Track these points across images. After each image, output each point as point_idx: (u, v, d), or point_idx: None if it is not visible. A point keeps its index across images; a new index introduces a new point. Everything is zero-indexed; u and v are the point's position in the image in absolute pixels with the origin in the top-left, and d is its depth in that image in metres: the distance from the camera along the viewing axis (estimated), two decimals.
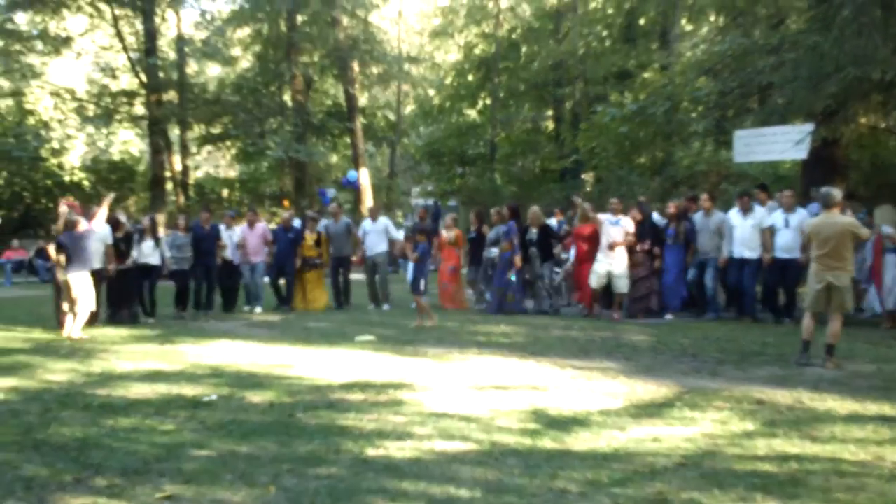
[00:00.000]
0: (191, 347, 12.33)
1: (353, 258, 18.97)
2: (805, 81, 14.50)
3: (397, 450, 6.62)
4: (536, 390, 8.91)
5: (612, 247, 15.22)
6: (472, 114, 43.74)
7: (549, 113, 41.13)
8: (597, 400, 8.40)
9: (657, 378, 9.57)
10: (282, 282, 18.65)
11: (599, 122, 21.58)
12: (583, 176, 34.78)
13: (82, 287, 14.01)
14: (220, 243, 17.11)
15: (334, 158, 46.73)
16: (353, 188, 36.65)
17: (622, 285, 15.39)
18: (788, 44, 17.69)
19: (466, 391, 8.91)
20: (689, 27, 29.77)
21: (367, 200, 36.51)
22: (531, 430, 7.21)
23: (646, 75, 30.82)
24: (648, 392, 8.79)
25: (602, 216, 15.66)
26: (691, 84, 20.26)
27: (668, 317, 15.43)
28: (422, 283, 15.07)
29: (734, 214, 15.51)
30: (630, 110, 19.86)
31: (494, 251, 17.31)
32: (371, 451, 6.58)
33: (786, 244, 14.78)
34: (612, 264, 15.28)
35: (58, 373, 10.28)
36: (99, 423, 7.57)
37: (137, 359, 11.27)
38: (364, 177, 36.60)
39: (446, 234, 18.37)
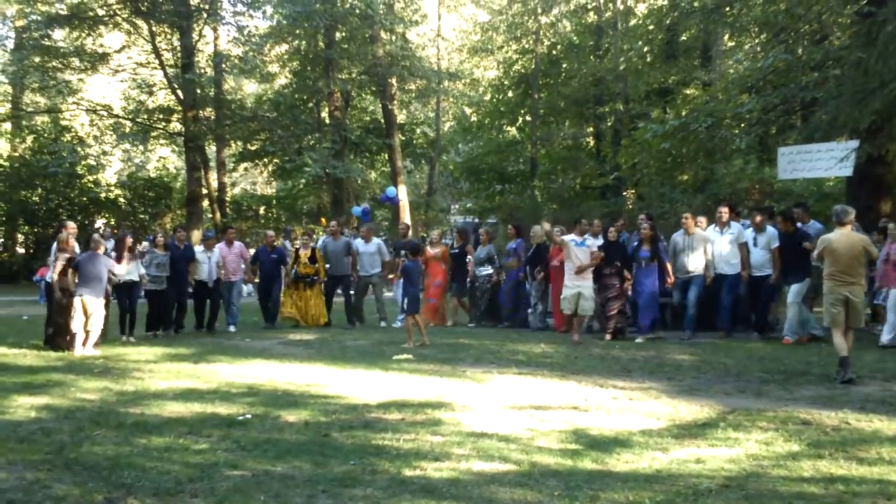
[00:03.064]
0: (226, 366, 12.32)
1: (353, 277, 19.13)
2: (849, 97, 14.31)
3: (435, 470, 6.57)
4: (577, 410, 8.84)
5: (579, 271, 15.01)
6: (511, 131, 43.66)
7: (590, 130, 40.99)
8: (639, 420, 8.32)
9: (700, 398, 9.47)
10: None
11: (641, 138, 21.45)
12: (624, 193, 34.64)
13: (97, 307, 14.25)
14: (191, 265, 17.02)
15: (372, 175, 46.80)
16: (392, 205, 36.68)
17: (588, 307, 15.13)
18: (832, 60, 17.54)
19: (505, 411, 8.86)
20: (731, 43, 29.62)
21: (406, 217, 36.51)
22: (572, 451, 7.15)
23: (687, 91, 30.68)
24: (691, 412, 8.69)
25: (567, 238, 15.48)
26: (734, 100, 20.10)
27: (639, 340, 15.11)
28: (410, 302, 15.00)
29: (711, 231, 15.74)
30: (672, 126, 19.71)
31: (483, 270, 17.96)
32: (408, 472, 6.53)
33: (756, 262, 15.22)
34: (580, 286, 15.04)
35: (90, 391, 10.29)
36: (131, 442, 7.55)
37: (171, 377, 11.30)
38: (402, 194, 36.60)
39: (432, 250, 18.54)
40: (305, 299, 18.37)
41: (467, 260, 18.41)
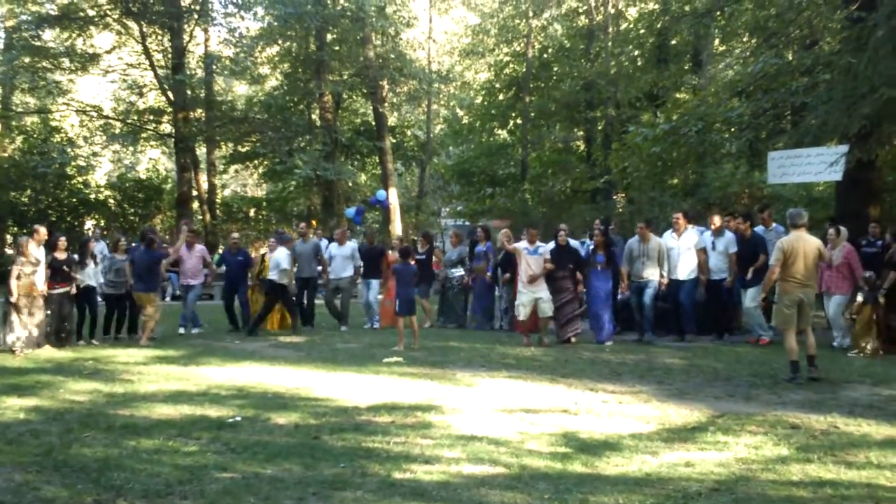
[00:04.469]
0: (215, 369, 12.31)
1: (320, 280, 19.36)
2: (839, 102, 14.35)
3: (425, 473, 6.57)
4: (567, 413, 8.85)
5: (532, 280, 14.93)
6: (502, 134, 43.68)
7: (580, 133, 41.02)
8: (628, 424, 8.33)
9: (690, 402, 9.49)
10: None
11: (631, 142, 21.46)
12: (614, 197, 34.65)
13: (151, 301, 15.62)
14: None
15: (363, 178, 46.76)
16: (382, 207, 36.66)
17: (546, 308, 15.02)
18: (822, 64, 17.57)
19: (495, 414, 8.86)
20: (721, 48, 29.67)
21: (396, 220, 36.51)
22: (561, 454, 7.16)
23: (678, 95, 30.71)
24: (681, 416, 8.71)
25: (519, 245, 15.49)
26: (724, 104, 20.13)
27: (609, 343, 15.15)
28: (402, 304, 15.06)
29: (668, 237, 15.89)
30: (662, 130, 19.73)
31: (454, 272, 18.33)
32: (398, 475, 6.53)
33: (714, 265, 15.59)
34: (535, 291, 14.98)
35: (80, 393, 10.27)
36: (121, 444, 7.54)
37: (161, 380, 11.26)
38: (393, 196, 36.56)
39: (393, 255, 18.63)
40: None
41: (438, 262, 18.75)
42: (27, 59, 34.99)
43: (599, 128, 37.34)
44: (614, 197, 34.73)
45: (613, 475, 6.56)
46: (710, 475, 6.51)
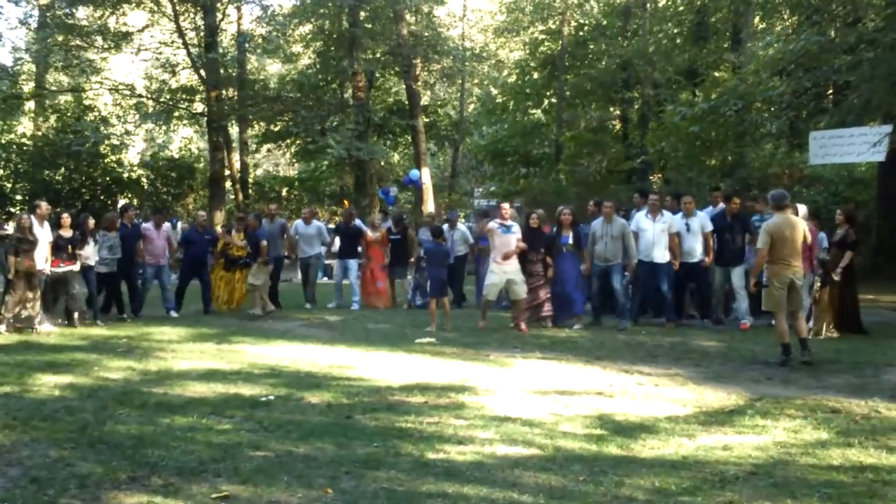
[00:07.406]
0: (248, 347, 12.38)
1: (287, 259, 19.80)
2: (883, 81, 14.14)
3: (458, 454, 6.55)
4: (602, 395, 8.81)
5: (506, 257, 14.68)
6: (536, 113, 43.42)
7: (616, 112, 40.71)
8: (664, 406, 8.27)
9: (727, 385, 9.40)
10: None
11: (669, 121, 21.29)
12: (650, 177, 34.44)
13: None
14: (138, 246, 16.77)
15: (396, 157, 46.64)
16: (416, 187, 36.55)
17: (520, 291, 14.72)
18: (865, 42, 17.33)
19: (529, 395, 8.83)
20: (761, 25, 29.34)
21: (429, 200, 36.36)
22: (596, 436, 7.11)
23: (717, 74, 30.44)
24: (718, 399, 8.63)
25: (493, 224, 15.22)
26: (764, 83, 19.92)
27: (577, 326, 14.90)
28: (434, 285, 15.17)
29: (643, 218, 15.43)
30: (701, 109, 19.56)
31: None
32: (431, 455, 6.51)
33: (689, 248, 15.11)
34: (506, 272, 14.71)
35: (114, 371, 10.35)
36: (155, 421, 7.59)
37: (195, 358, 11.35)
38: (426, 176, 36.40)
39: (372, 233, 18.91)
40: (233, 282, 18.26)
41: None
42: (60, 38, 35.01)
43: (636, 107, 37.08)
44: (651, 178, 34.52)
45: (649, 458, 6.50)
46: (747, 459, 6.44)
